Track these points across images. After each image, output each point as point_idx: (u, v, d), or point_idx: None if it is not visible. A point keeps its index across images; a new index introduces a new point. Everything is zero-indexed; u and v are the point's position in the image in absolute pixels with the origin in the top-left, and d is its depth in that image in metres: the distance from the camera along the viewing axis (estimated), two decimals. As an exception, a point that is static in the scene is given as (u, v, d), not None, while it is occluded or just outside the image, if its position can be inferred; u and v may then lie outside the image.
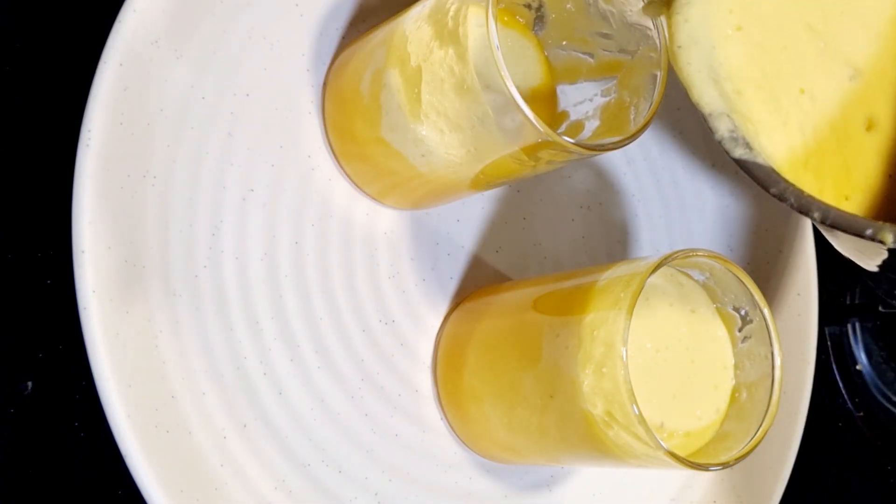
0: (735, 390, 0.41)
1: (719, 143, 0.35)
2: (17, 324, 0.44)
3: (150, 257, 0.40)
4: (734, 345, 0.42)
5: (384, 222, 0.46)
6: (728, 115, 0.34)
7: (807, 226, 0.56)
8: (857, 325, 0.61)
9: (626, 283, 0.38)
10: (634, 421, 0.36)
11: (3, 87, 0.44)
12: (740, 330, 0.41)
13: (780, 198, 0.34)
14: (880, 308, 0.61)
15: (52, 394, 0.44)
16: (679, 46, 0.35)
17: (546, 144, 0.37)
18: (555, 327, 0.40)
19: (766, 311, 0.40)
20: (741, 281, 0.40)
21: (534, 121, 0.36)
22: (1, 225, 0.44)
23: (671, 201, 0.54)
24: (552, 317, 0.41)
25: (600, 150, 0.39)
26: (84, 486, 0.44)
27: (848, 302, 0.61)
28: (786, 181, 0.34)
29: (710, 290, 0.42)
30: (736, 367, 0.42)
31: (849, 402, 0.60)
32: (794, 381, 0.53)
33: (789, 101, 0.36)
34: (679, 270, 0.42)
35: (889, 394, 0.60)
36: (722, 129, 0.35)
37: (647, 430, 0.36)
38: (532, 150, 0.38)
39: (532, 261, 0.50)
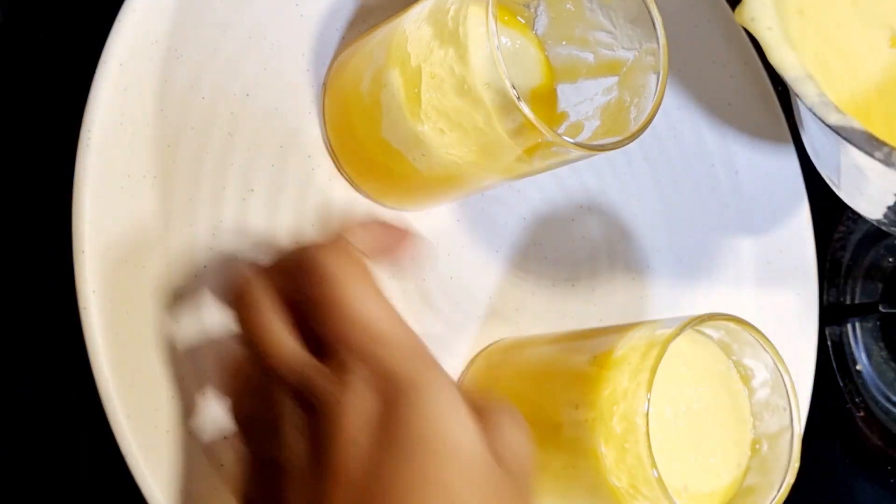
0: (755, 442, 0.41)
1: (811, 109, 0.35)
2: (18, 324, 0.44)
3: (150, 257, 0.40)
4: (751, 396, 0.42)
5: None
6: (811, 78, 0.34)
7: (807, 226, 0.56)
8: (858, 326, 0.61)
9: (643, 356, 0.38)
10: (661, 496, 0.36)
11: (3, 87, 0.45)
12: (757, 382, 0.42)
13: (887, 162, 0.33)
14: (880, 308, 0.61)
15: (52, 394, 0.44)
16: (752, 18, 0.36)
17: (546, 144, 0.37)
18: (573, 398, 0.40)
19: (780, 366, 0.40)
20: (754, 337, 0.40)
21: (534, 121, 0.36)
22: (1, 225, 0.44)
23: (671, 201, 0.53)
24: (571, 388, 0.41)
25: (600, 150, 0.38)
26: (84, 486, 0.44)
27: (848, 302, 0.61)
28: (889, 145, 0.33)
29: (725, 346, 0.42)
30: (754, 418, 0.42)
31: (849, 402, 0.60)
32: (794, 383, 0.53)
33: (841, 72, 0.37)
34: (693, 328, 0.42)
35: (889, 394, 0.60)
36: (811, 93, 0.35)
37: (672, 502, 0.36)
38: (532, 150, 0.38)
39: (532, 261, 0.50)
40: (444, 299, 0.47)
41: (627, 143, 0.38)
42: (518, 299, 0.49)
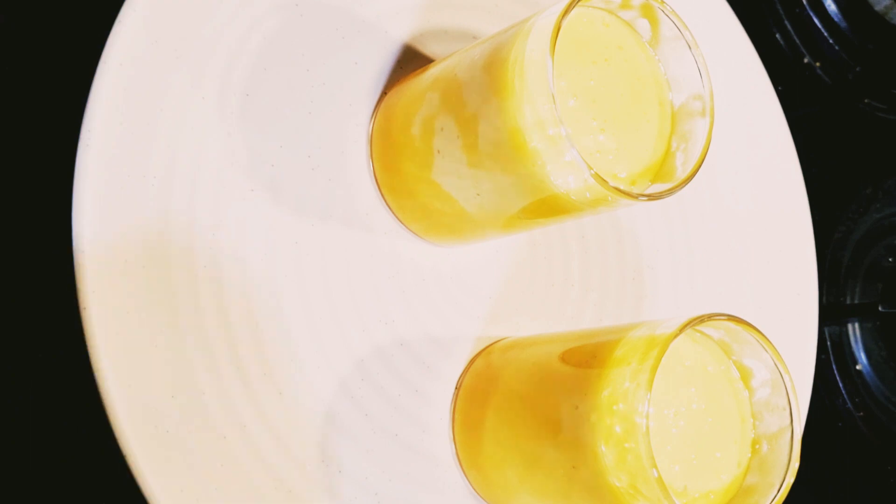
0: (755, 442, 0.41)
1: None
2: (18, 324, 0.44)
3: (150, 257, 0.40)
4: (752, 396, 0.42)
5: (384, 222, 0.46)
6: None
7: (807, 225, 0.56)
8: (857, 326, 0.61)
9: (643, 356, 0.38)
10: (661, 496, 0.36)
11: (3, 87, 0.45)
12: (757, 382, 0.42)
13: None
14: (880, 308, 0.61)
15: (51, 394, 0.44)
16: None
17: (607, 198, 0.37)
18: (573, 399, 0.40)
19: (780, 366, 0.40)
20: (754, 337, 0.40)
21: (593, 179, 0.36)
22: (1, 225, 0.44)
23: (671, 202, 0.53)
24: (571, 388, 0.41)
25: (652, 199, 0.38)
26: (84, 486, 0.44)
27: (848, 302, 0.61)
28: None
29: (725, 346, 0.42)
30: (754, 418, 0.42)
31: (849, 402, 0.60)
32: (794, 382, 0.53)
33: None
34: (693, 328, 0.42)
35: (889, 394, 0.60)
36: None
37: (673, 502, 0.36)
38: (589, 198, 0.38)
39: (532, 261, 0.50)
40: (444, 300, 0.47)
41: (677, 191, 0.38)
42: (518, 299, 0.49)
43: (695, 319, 0.39)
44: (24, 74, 0.45)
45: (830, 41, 0.62)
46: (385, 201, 0.46)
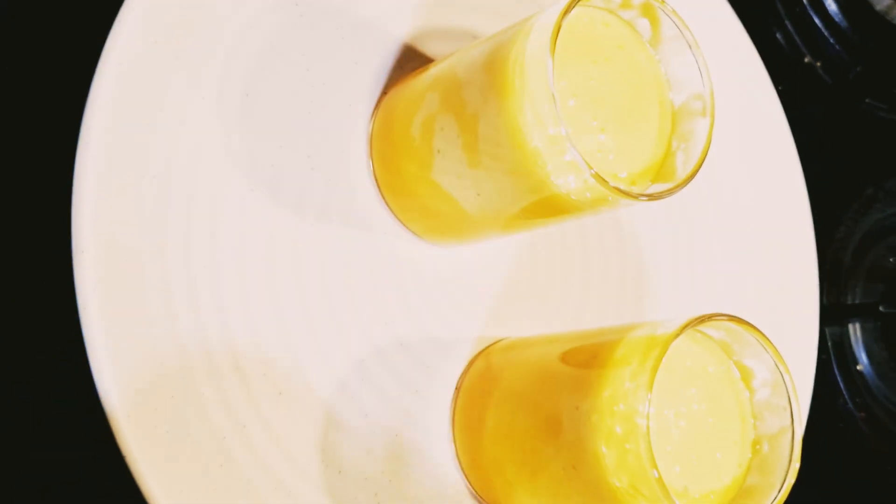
0: (756, 442, 0.41)
1: None
2: (16, 323, 0.44)
3: (150, 258, 0.40)
4: (752, 396, 0.42)
5: (384, 222, 0.46)
6: None
7: (808, 225, 0.56)
8: (858, 326, 0.61)
9: (644, 356, 0.38)
10: (661, 496, 0.36)
11: (3, 87, 0.44)
12: (758, 382, 0.42)
13: None
14: (881, 308, 0.61)
15: (50, 394, 0.44)
16: None
17: (608, 198, 0.37)
18: (574, 399, 0.40)
19: (781, 366, 0.40)
20: (755, 337, 0.40)
21: (593, 179, 0.36)
22: (1, 224, 0.44)
23: (672, 202, 0.53)
24: (571, 388, 0.41)
25: (653, 199, 0.38)
26: (84, 487, 0.44)
27: (849, 302, 0.61)
28: None
29: (726, 346, 0.42)
30: (755, 418, 0.42)
31: (850, 402, 0.60)
32: (795, 382, 0.53)
33: None
34: (694, 329, 0.42)
35: (890, 394, 0.60)
36: None
37: (673, 503, 0.36)
38: (589, 198, 0.38)
39: (532, 262, 0.50)
40: (445, 301, 0.47)
41: (678, 191, 0.38)
42: (518, 300, 0.49)
43: (695, 320, 0.39)
44: (25, 74, 0.45)
45: (831, 40, 0.62)
46: (385, 201, 0.46)
